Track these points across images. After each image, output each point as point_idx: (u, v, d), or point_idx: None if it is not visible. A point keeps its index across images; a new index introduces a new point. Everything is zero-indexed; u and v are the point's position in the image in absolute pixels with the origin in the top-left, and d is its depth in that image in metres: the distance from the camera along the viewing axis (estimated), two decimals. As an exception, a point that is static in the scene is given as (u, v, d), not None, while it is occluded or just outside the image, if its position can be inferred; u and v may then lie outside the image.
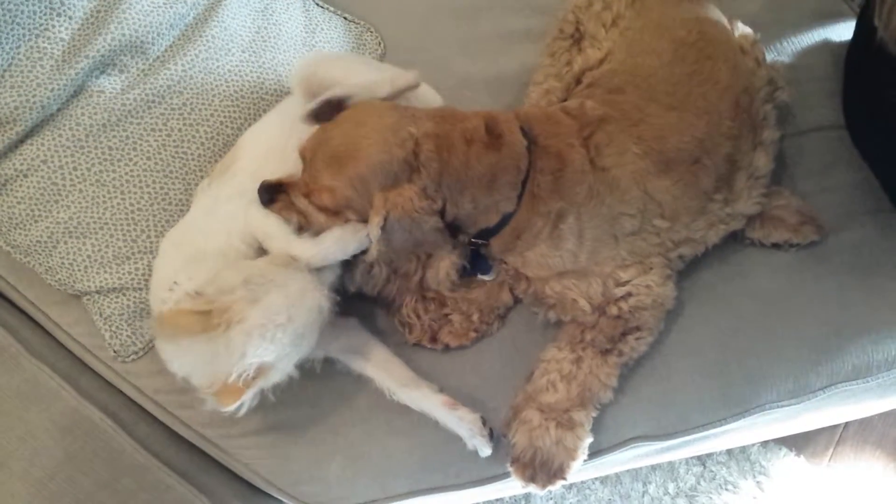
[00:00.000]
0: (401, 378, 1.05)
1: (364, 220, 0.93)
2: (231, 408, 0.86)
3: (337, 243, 0.94)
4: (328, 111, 0.95)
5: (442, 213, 0.93)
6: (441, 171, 0.90)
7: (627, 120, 1.00)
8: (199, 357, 0.86)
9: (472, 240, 1.01)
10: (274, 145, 1.03)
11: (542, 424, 1.00)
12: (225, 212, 0.98)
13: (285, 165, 1.00)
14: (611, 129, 0.99)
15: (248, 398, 0.86)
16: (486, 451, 1.03)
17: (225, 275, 0.89)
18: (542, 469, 1.01)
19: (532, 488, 1.02)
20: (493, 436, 1.04)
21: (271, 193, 0.95)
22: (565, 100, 1.14)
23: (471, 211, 0.95)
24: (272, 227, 0.95)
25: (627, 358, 1.05)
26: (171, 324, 0.87)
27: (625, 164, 0.98)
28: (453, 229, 0.97)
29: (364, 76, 1.00)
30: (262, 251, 0.97)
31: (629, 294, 1.01)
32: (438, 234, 0.93)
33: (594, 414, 1.04)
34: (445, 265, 0.99)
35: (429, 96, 1.08)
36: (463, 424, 1.03)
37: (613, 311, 1.01)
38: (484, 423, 1.03)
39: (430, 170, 0.90)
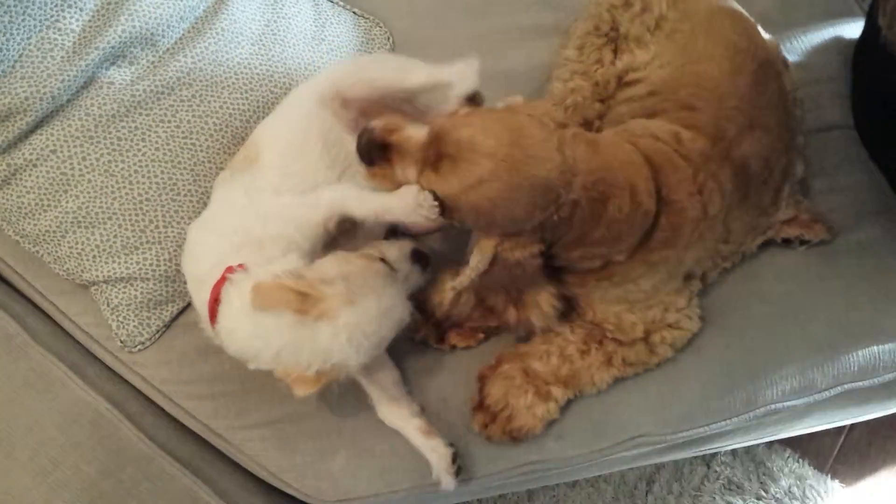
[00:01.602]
0: (387, 392, 1.05)
1: (459, 224, 0.89)
2: (304, 395, 0.86)
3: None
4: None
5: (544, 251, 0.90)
6: (567, 232, 0.87)
7: (720, 152, 0.99)
8: (282, 338, 0.85)
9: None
10: (294, 140, 1.03)
11: (522, 385, 1.01)
12: (277, 203, 0.97)
13: (310, 161, 1.00)
14: (713, 169, 0.98)
15: (315, 390, 0.86)
16: (449, 486, 1.03)
17: (326, 264, 0.89)
18: (502, 422, 1.02)
19: (482, 434, 1.04)
20: (459, 472, 1.04)
21: (375, 153, 0.88)
22: (603, 100, 1.13)
23: (576, 258, 0.93)
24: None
25: (626, 376, 1.06)
26: (267, 294, 0.84)
27: (724, 206, 0.99)
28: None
29: (422, 75, 1.01)
30: (319, 242, 0.95)
31: (678, 324, 1.03)
32: (537, 273, 0.91)
33: (570, 396, 1.05)
34: (546, 298, 0.96)
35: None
36: (433, 455, 1.03)
37: (657, 338, 1.02)
38: (454, 458, 1.03)
39: (557, 231, 0.87)
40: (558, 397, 1.03)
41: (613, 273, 0.96)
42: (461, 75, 1.00)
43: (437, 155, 0.84)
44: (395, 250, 0.95)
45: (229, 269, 0.90)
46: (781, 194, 1.08)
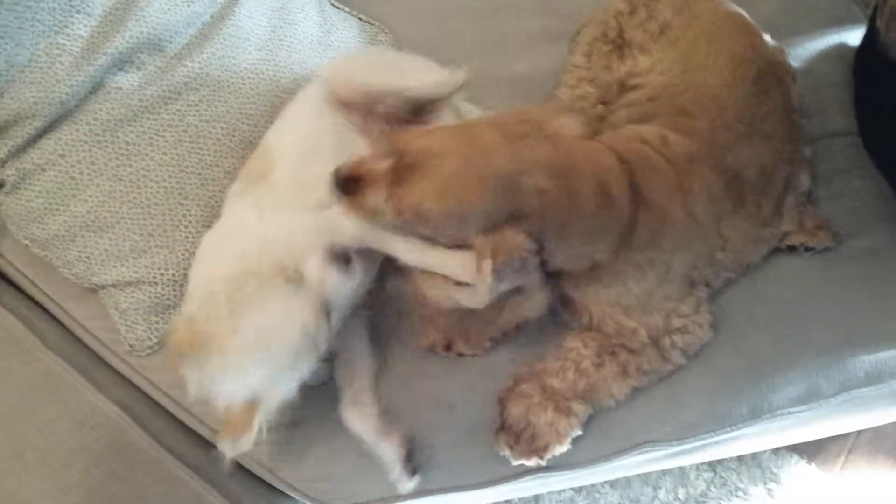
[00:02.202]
0: (352, 393, 1.05)
1: (449, 243, 0.89)
2: (234, 442, 0.82)
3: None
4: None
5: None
6: (543, 227, 0.87)
7: (711, 157, 0.99)
8: (192, 380, 0.83)
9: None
10: (306, 146, 1.02)
11: (542, 403, 1.01)
12: (277, 226, 0.93)
13: (325, 167, 0.93)
14: (701, 172, 0.98)
15: (251, 433, 0.82)
16: (405, 487, 1.04)
17: (216, 295, 0.84)
18: (526, 442, 1.02)
19: (508, 454, 1.03)
20: (415, 472, 1.04)
21: (348, 187, 0.89)
22: (605, 103, 1.14)
23: (562, 260, 0.93)
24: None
25: (643, 385, 1.06)
26: (174, 341, 0.84)
27: (713, 212, 0.99)
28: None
29: (415, 78, 1.00)
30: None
31: (685, 329, 1.03)
32: (538, 272, 0.91)
33: (591, 411, 1.05)
34: (540, 298, 0.96)
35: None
36: (387, 455, 1.02)
37: (666, 342, 1.02)
38: (408, 459, 1.03)
39: (532, 223, 0.86)
40: (579, 412, 1.02)
41: (602, 274, 0.97)
42: (442, 82, 1.01)
43: (399, 171, 0.87)
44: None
45: None
46: (784, 205, 1.08)
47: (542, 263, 0.92)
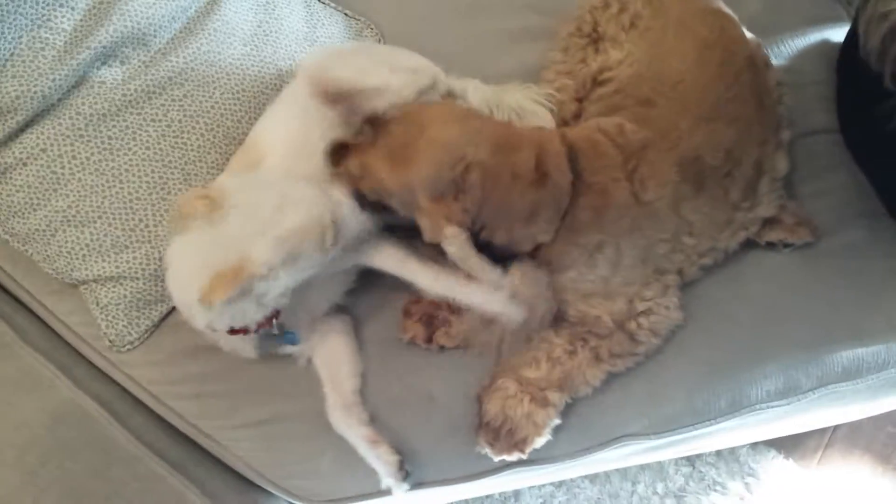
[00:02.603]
0: (343, 398, 1.06)
1: (405, 211, 0.96)
2: (207, 302, 0.83)
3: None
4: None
5: (476, 236, 0.95)
6: (482, 201, 0.93)
7: (666, 142, 1.00)
8: (198, 247, 0.88)
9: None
10: (296, 140, 1.04)
11: (517, 395, 1.01)
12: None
13: (314, 160, 1.01)
14: (652, 158, 0.99)
15: (234, 292, 0.83)
16: (399, 490, 1.05)
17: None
18: (506, 437, 1.02)
19: (488, 452, 1.04)
20: (407, 476, 1.05)
21: (337, 154, 0.98)
22: (580, 100, 1.15)
23: (505, 240, 0.96)
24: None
25: (618, 369, 1.06)
26: (181, 206, 0.89)
27: (666, 196, 0.99)
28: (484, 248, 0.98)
29: (380, 78, 1.02)
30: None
31: (650, 311, 1.03)
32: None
33: (568, 400, 1.05)
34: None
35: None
36: (380, 463, 1.04)
37: (632, 326, 1.03)
38: (401, 465, 1.04)
39: (472, 197, 0.92)
40: (555, 401, 1.03)
41: (548, 258, 0.99)
42: (411, 82, 1.04)
43: (371, 142, 0.97)
44: None
45: None
46: (758, 189, 1.08)
47: (487, 245, 0.96)
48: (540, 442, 1.04)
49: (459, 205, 0.92)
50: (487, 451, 1.04)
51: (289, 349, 1.05)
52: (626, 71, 1.09)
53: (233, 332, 0.93)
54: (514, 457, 1.04)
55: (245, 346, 1.01)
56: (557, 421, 1.05)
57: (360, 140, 0.99)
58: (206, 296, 0.83)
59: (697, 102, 1.02)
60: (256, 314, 0.91)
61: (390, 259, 1.03)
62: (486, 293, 0.98)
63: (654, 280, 1.03)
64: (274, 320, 0.95)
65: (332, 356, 1.08)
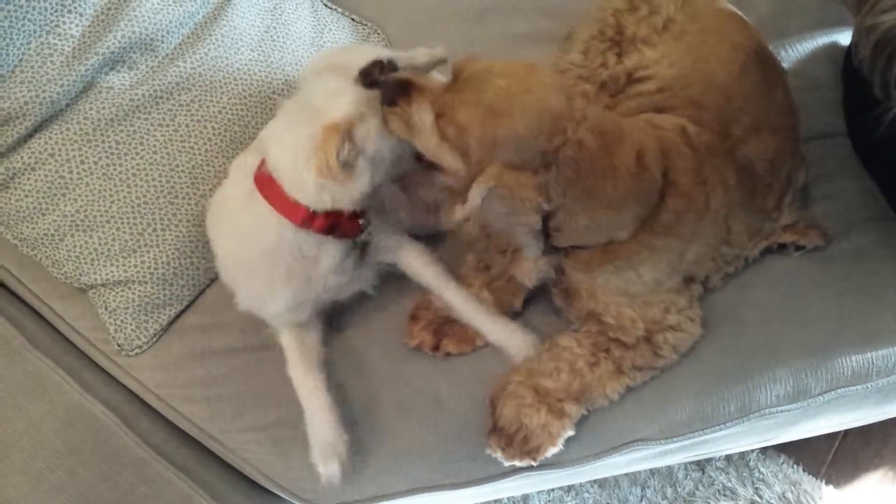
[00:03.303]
0: (306, 354, 1.04)
1: (459, 174, 0.87)
2: (333, 155, 0.85)
3: None
4: (378, 74, 0.90)
5: (547, 218, 0.89)
6: (573, 181, 0.85)
7: (725, 148, 0.99)
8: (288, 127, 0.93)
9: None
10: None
11: (534, 405, 1.00)
12: None
13: None
14: (717, 164, 0.98)
15: (343, 141, 0.86)
16: (329, 477, 0.99)
17: None
18: (519, 444, 1.01)
19: (499, 456, 1.03)
20: (341, 469, 0.99)
21: (395, 92, 0.87)
22: (612, 95, 1.14)
23: (581, 228, 0.90)
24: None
25: (636, 384, 1.06)
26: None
27: (727, 204, 0.99)
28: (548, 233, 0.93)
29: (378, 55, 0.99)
30: None
31: (679, 326, 1.02)
32: (532, 234, 0.90)
33: (584, 412, 1.05)
34: (529, 268, 0.96)
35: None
36: (322, 438, 1.00)
37: (659, 339, 1.02)
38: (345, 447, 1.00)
39: (563, 174, 0.84)
40: (572, 413, 1.02)
41: (618, 255, 0.95)
42: (419, 56, 1.02)
43: (453, 86, 0.86)
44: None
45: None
46: (785, 199, 1.09)
47: (557, 233, 0.91)
48: (552, 451, 1.03)
49: (536, 179, 0.83)
50: (498, 455, 1.03)
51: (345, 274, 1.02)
52: (667, 71, 1.08)
53: (326, 226, 0.93)
54: (524, 463, 1.04)
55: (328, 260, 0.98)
56: (572, 432, 1.04)
57: (430, 82, 0.88)
58: (321, 148, 0.85)
59: (744, 110, 1.02)
60: (353, 191, 0.91)
61: (417, 260, 1.05)
62: (499, 325, 1.03)
63: (685, 289, 1.03)
64: (363, 228, 0.96)
65: (303, 331, 1.06)
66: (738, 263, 1.11)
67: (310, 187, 0.90)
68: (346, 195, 0.91)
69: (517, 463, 1.04)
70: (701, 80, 1.05)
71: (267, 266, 0.96)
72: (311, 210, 0.91)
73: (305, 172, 0.89)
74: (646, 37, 1.13)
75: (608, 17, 1.19)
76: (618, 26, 1.18)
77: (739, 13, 1.14)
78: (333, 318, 1.12)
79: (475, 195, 0.83)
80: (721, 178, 0.98)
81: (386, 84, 0.88)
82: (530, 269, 1.00)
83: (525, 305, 1.12)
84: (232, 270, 1.02)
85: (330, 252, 0.96)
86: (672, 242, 0.96)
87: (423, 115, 0.86)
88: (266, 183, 0.93)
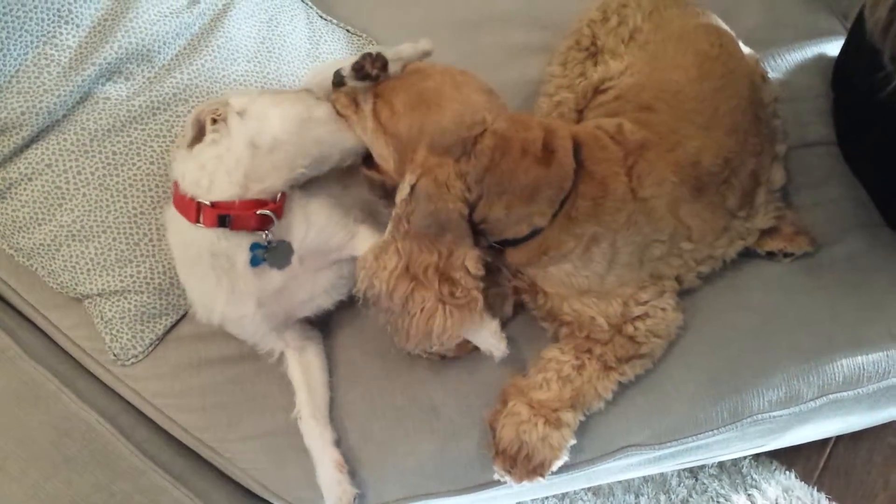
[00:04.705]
0: (316, 408, 1.07)
1: (390, 164, 0.96)
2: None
3: None
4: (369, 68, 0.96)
5: (471, 212, 0.94)
6: (487, 169, 0.92)
7: (665, 144, 1.01)
8: None
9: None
10: None
11: (531, 420, 1.01)
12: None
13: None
14: (651, 157, 1.00)
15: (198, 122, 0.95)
16: None
17: None
18: (523, 462, 1.02)
19: (508, 479, 1.03)
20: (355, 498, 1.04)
21: (341, 77, 0.97)
22: (580, 111, 1.17)
23: (502, 217, 0.95)
24: None
25: (628, 378, 1.06)
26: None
27: (663, 195, 1.00)
28: (477, 234, 0.98)
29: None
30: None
31: (646, 315, 1.03)
32: (460, 224, 0.94)
33: (581, 418, 1.05)
34: (473, 257, 0.96)
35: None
36: (337, 489, 1.03)
37: (629, 329, 1.03)
38: (355, 500, 1.04)
39: (479, 163, 0.91)
40: (570, 421, 1.03)
41: (548, 247, 0.98)
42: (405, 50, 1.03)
43: (398, 77, 0.97)
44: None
45: None
46: (755, 199, 1.09)
47: (477, 231, 0.97)
48: (558, 464, 1.03)
49: (457, 167, 0.91)
50: (507, 478, 1.03)
51: (275, 277, 1.00)
52: (627, 81, 1.11)
53: (217, 217, 0.94)
54: (534, 482, 1.03)
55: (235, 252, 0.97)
56: (573, 441, 1.04)
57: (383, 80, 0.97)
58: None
59: (697, 111, 1.04)
60: (232, 170, 0.94)
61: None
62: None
63: (650, 284, 1.03)
64: (267, 231, 0.96)
65: (309, 364, 1.08)
66: (713, 264, 1.11)
67: (177, 164, 0.96)
68: (221, 172, 0.93)
69: (527, 483, 1.03)
70: (654, 85, 1.08)
71: (197, 272, 0.98)
72: (197, 202, 0.93)
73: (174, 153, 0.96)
74: (613, 48, 1.16)
75: (584, 27, 1.21)
76: (593, 37, 1.20)
77: (716, 25, 1.15)
78: (325, 325, 1.13)
79: (405, 187, 0.91)
80: (651, 170, 1.00)
81: (334, 79, 0.98)
82: (472, 257, 0.96)
83: (517, 310, 1.14)
84: (183, 281, 1.03)
85: (243, 249, 0.95)
86: (595, 229, 0.98)
87: (366, 95, 0.97)
88: (175, 189, 0.96)
